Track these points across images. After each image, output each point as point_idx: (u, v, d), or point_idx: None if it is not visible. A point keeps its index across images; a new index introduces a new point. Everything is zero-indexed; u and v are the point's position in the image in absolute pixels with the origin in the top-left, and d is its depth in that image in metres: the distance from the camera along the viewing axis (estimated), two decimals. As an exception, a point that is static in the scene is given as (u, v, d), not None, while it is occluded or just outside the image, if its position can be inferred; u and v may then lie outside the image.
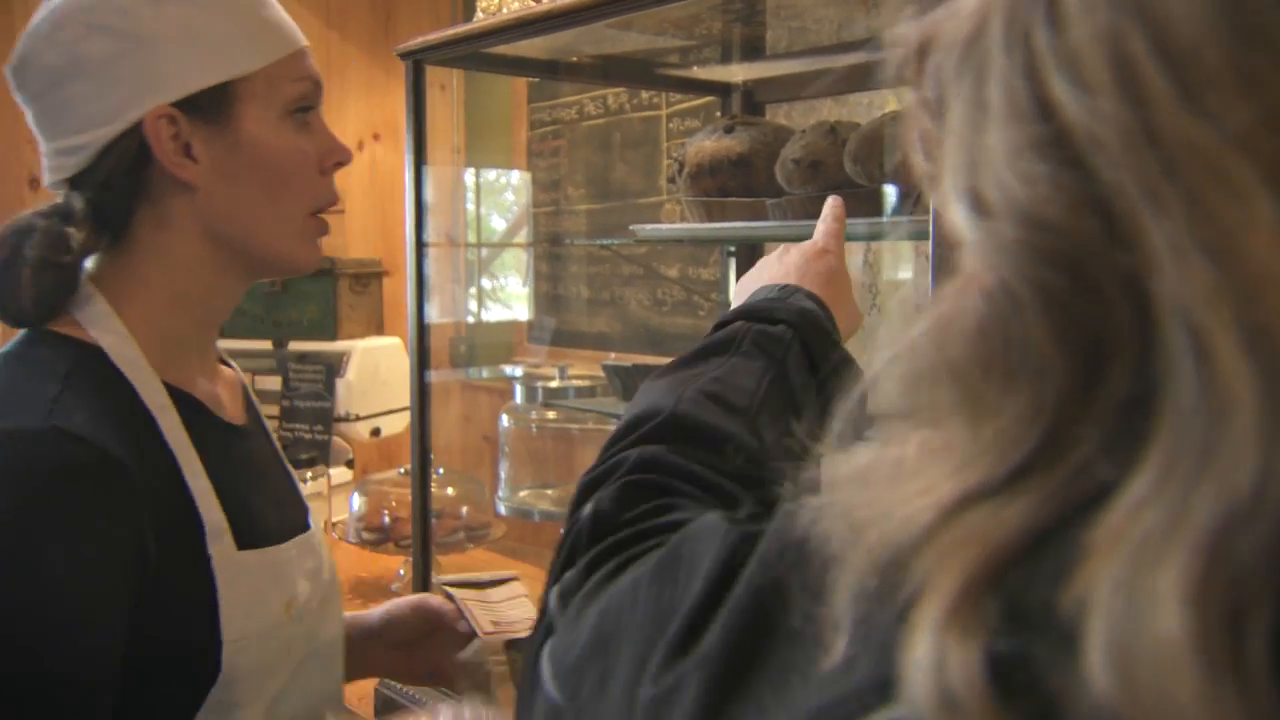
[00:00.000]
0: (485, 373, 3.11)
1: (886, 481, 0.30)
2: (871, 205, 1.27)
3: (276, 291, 2.60)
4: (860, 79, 1.69)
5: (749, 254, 1.80)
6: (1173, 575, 0.22)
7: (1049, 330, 0.26)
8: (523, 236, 3.18)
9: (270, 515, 0.86)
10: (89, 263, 0.84)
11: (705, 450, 0.62)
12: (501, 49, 1.60)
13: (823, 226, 0.96)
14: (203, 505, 0.79)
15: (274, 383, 2.53)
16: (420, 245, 1.61)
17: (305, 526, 0.91)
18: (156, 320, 0.82)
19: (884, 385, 0.31)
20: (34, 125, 0.83)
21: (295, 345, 2.57)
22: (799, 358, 0.73)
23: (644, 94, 2.66)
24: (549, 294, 3.06)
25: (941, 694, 0.24)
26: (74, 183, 0.82)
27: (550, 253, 3.05)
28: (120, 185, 0.81)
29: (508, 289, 3.27)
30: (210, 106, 0.81)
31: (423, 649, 1.02)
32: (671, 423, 0.63)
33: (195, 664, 0.76)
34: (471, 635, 0.99)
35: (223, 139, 0.82)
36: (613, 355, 2.86)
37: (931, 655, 0.25)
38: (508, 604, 1.04)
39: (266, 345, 2.60)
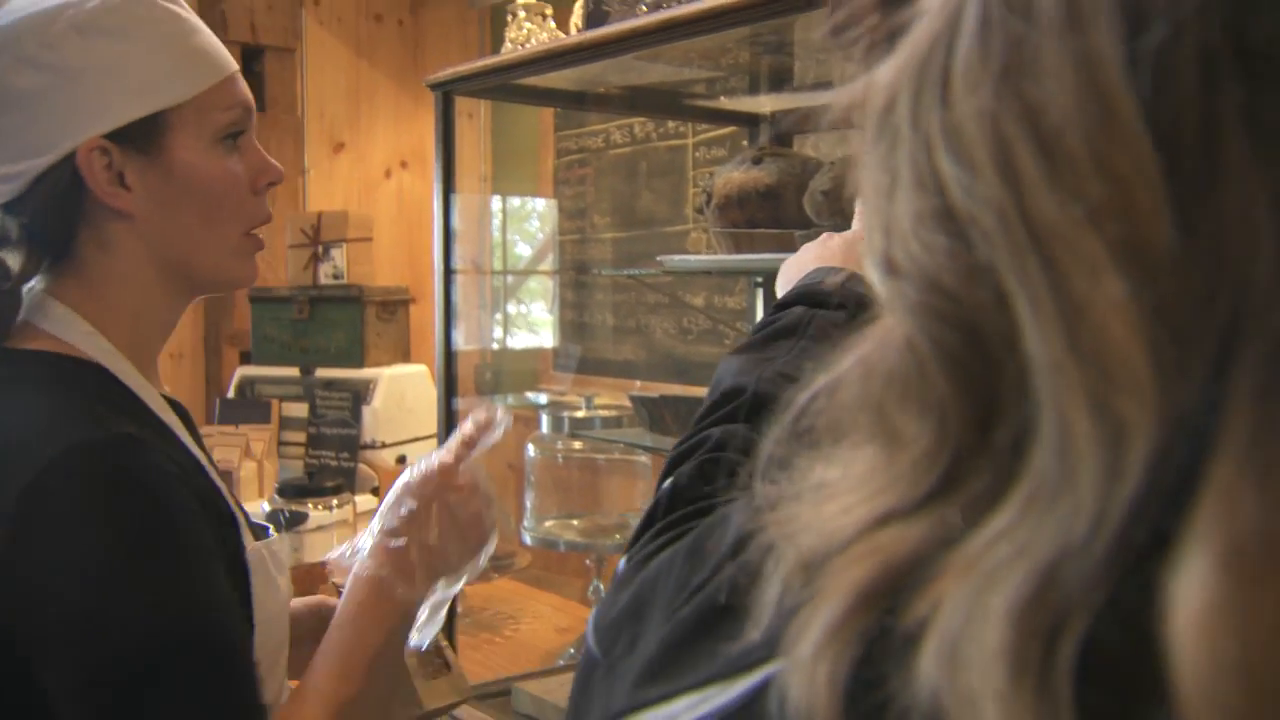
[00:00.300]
0: (510, 400, 3.11)
1: (813, 501, 0.33)
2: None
3: (304, 319, 2.61)
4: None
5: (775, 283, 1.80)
6: (1005, 596, 0.25)
7: (948, 382, 0.29)
8: (548, 264, 3.19)
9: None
10: (40, 283, 0.86)
11: None
12: (530, 80, 1.60)
13: (859, 220, 0.98)
14: (231, 503, 0.84)
15: (301, 409, 2.55)
16: (449, 273, 1.62)
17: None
18: (122, 336, 0.85)
19: (816, 408, 0.35)
20: None
21: (322, 372, 2.58)
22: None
23: (670, 123, 2.67)
24: (574, 321, 3.06)
25: (809, 689, 0.28)
26: (9, 207, 0.84)
27: (576, 280, 3.06)
28: (56, 211, 0.83)
29: (533, 316, 3.28)
30: (141, 137, 0.82)
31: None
32: (752, 402, 0.66)
33: None
34: None
35: (155, 168, 0.83)
36: (638, 384, 2.85)
37: (810, 652, 0.29)
38: None
39: (294, 372, 2.61)
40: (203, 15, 3.04)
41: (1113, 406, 0.25)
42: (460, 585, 0.95)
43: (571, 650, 1.89)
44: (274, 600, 0.86)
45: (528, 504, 1.98)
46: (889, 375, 0.31)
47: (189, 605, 0.74)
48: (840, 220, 1.36)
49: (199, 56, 0.86)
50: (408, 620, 0.90)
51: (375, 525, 0.92)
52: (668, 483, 0.62)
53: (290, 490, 2.18)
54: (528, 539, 1.87)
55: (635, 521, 1.95)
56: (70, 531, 0.72)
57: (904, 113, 0.30)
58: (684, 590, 0.46)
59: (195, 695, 0.72)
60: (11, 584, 0.71)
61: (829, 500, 0.33)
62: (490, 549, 0.95)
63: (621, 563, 0.57)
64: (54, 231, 0.84)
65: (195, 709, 0.72)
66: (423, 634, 0.95)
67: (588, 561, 1.89)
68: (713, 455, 0.63)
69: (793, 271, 0.95)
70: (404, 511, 0.90)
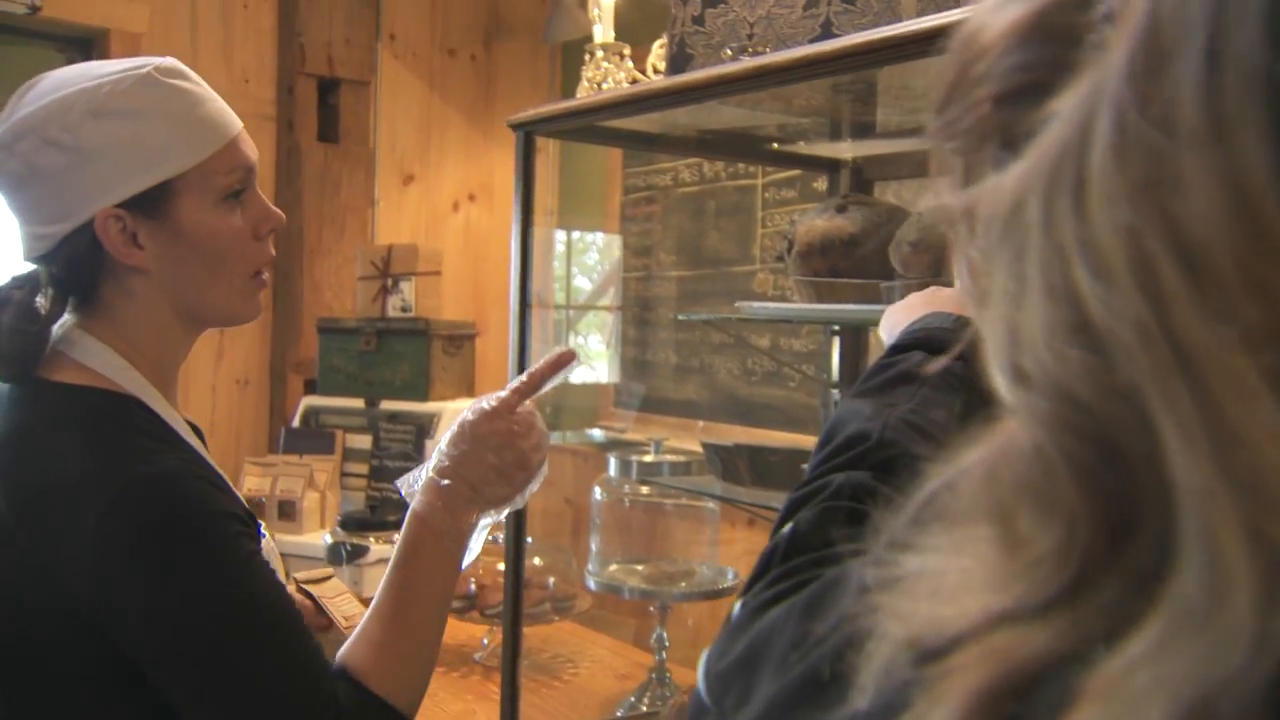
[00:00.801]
0: (570, 436, 3.10)
1: (924, 588, 0.32)
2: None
3: (370, 351, 2.62)
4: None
5: (853, 331, 1.76)
6: None
7: (1079, 494, 0.28)
8: (608, 299, 3.18)
9: None
10: (70, 319, 0.97)
11: (907, 480, 0.65)
12: (610, 121, 1.59)
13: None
14: (247, 505, 0.98)
15: (364, 441, 2.55)
16: (524, 308, 1.61)
17: None
18: (147, 368, 0.97)
19: (941, 499, 0.34)
20: (10, 212, 0.97)
21: (387, 404, 2.58)
22: (978, 393, 0.77)
23: (740, 163, 2.65)
24: (636, 359, 3.04)
25: None
26: (43, 259, 0.96)
27: (639, 318, 3.04)
28: (81, 265, 0.95)
29: (593, 351, 3.27)
30: (151, 203, 0.93)
31: None
32: (877, 451, 0.67)
33: None
34: (327, 625, 1.18)
35: (165, 229, 0.94)
36: (700, 424, 2.82)
37: None
38: (342, 599, 1.22)
39: (359, 403, 2.62)
40: (281, 49, 3.07)
41: (1270, 533, 0.24)
42: (501, 517, 1.04)
43: (632, 699, 1.85)
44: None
45: (593, 547, 1.95)
46: (1015, 481, 0.30)
47: (253, 588, 0.88)
48: (929, 273, 1.33)
49: (202, 127, 0.95)
50: (455, 557, 1.00)
51: (432, 461, 1.02)
52: (787, 528, 0.61)
53: (352, 523, 2.18)
54: (592, 584, 1.84)
55: (701, 568, 1.91)
56: (149, 555, 0.85)
57: (1034, 220, 0.29)
58: (796, 649, 0.46)
59: (270, 649, 0.87)
60: (108, 601, 0.85)
61: (939, 589, 0.32)
62: (535, 486, 1.05)
63: (737, 606, 0.58)
64: (80, 281, 0.96)
65: (271, 658, 0.87)
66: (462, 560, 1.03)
67: (651, 609, 1.85)
68: (834, 503, 0.63)
69: (899, 317, 0.94)
70: (456, 453, 1.00)
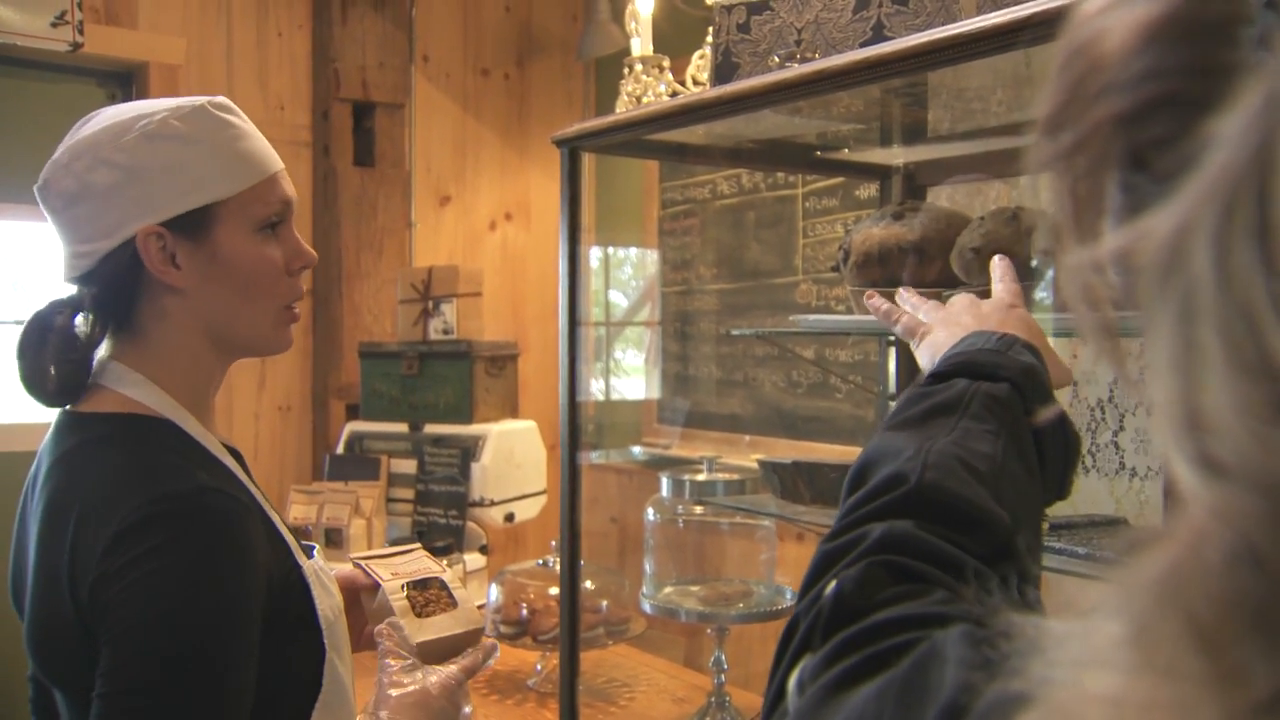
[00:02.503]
0: (612, 455, 3.06)
1: (1077, 699, 0.27)
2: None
3: (413, 374, 2.60)
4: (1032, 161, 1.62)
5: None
6: None
7: None
8: (646, 314, 3.15)
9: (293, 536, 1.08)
10: (106, 351, 1.02)
11: (953, 529, 0.61)
12: (657, 135, 1.56)
13: (1002, 285, 0.95)
14: (281, 529, 1.01)
15: (409, 466, 2.52)
16: (574, 326, 1.58)
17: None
18: (181, 391, 1.01)
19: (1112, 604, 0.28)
20: (55, 233, 1.01)
21: (431, 428, 2.56)
22: (1024, 420, 0.73)
23: (779, 173, 2.61)
24: (678, 374, 3.01)
25: None
26: (84, 280, 1.00)
27: (680, 332, 3.01)
28: (120, 284, 0.99)
29: (636, 367, 3.23)
30: (192, 225, 0.98)
31: (353, 614, 1.21)
32: (918, 495, 0.62)
33: (311, 637, 1.00)
34: (373, 586, 1.20)
35: (202, 251, 0.99)
36: (747, 438, 2.78)
37: None
38: (407, 562, 1.23)
39: (403, 428, 2.60)
40: (315, 75, 3.07)
41: None
42: None
43: (692, 724, 1.81)
44: (330, 603, 1.03)
45: (647, 569, 1.91)
46: (1219, 595, 0.25)
47: (211, 648, 0.87)
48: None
49: (247, 159, 1.01)
50: None
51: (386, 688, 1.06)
52: (831, 588, 0.56)
53: (401, 549, 2.15)
54: (647, 607, 1.81)
55: (758, 588, 1.85)
56: (151, 562, 0.86)
57: (1204, 273, 0.24)
58: None
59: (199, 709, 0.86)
60: (103, 601, 0.87)
61: (1099, 705, 0.27)
62: None
63: (790, 685, 0.54)
64: (118, 301, 1.00)
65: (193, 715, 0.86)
66: None
67: (709, 631, 1.81)
68: (878, 558, 0.58)
69: (941, 336, 0.88)
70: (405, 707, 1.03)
